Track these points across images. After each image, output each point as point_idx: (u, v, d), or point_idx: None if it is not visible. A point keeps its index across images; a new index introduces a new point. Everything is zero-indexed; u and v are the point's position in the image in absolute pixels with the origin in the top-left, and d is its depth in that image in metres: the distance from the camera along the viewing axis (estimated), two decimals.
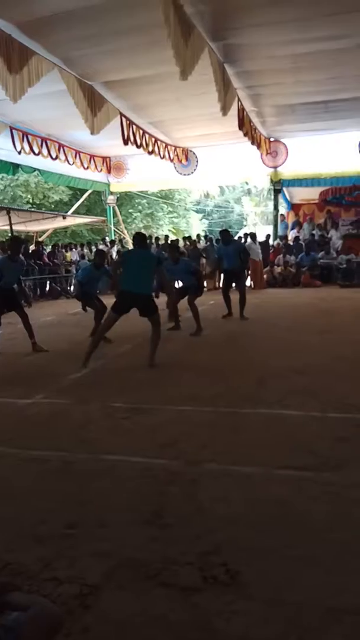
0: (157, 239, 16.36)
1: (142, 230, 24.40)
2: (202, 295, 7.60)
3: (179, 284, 7.68)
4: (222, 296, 8.66)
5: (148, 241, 5.85)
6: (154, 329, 5.37)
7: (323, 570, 1.92)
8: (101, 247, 15.89)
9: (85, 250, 16.08)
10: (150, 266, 5.31)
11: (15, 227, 13.35)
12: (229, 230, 10.08)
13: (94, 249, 16.05)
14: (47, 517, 2.37)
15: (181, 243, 15.92)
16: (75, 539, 2.19)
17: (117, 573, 1.95)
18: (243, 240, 15.16)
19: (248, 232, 15.54)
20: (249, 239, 14.33)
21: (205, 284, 9.06)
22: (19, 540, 2.19)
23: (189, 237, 16.55)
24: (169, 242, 15.44)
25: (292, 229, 16.71)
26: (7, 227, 13.20)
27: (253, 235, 14.28)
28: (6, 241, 7.71)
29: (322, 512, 2.33)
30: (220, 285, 13.52)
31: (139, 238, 5.62)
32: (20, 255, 7.19)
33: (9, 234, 13.82)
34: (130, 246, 17.18)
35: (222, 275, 10.60)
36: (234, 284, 8.71)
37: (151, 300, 5.38)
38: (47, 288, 14.59)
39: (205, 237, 17.07)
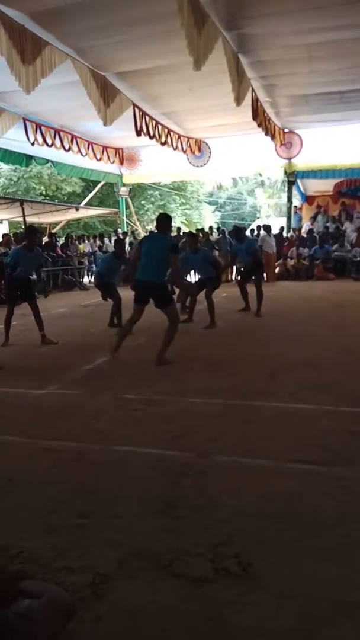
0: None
1: (154, 223, 24.43)
2: (219, 287, 7.56)
3: (195, 277, 7.66)
4: (238, 289, 8.60)
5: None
6: (169, 324, 5.05)
7: (334, 564, 1.92)
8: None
9: (99, 243, 16.09)
10: (163, 252, 4.85)
11: (28, 219, 13.39)
12: (242, 226, 9.97)
13: (106, 241, 16.07)
14: (60, 507, 2.40)
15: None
16: (88, 529, 2.21)
17: (129, 563, 1.97)
18: (256, 232, 15.07)
19: (262, 224, 15.37)
20: (262, 231, 14.24)
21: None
22: (32, 529, 2.22)
23: (202, 229, 16.48)
24: (180, 234, 15.40)
25: (315, 219, 16.37)
26: (21, 219, 13.25)
27: (268, 228, 14.05)
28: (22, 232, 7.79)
29: (334, 506, 2.32)
30: (232, 278, 13.57)
31: (159, 220, 5.19)
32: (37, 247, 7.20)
33: (23, 226, 13.89)
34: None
35: (234, 269, 10.59)
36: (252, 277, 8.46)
37: (163, 289, 5.09)
38: (60, 279, 14.65)
39: (218, 229, 17.00)
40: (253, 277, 8.34)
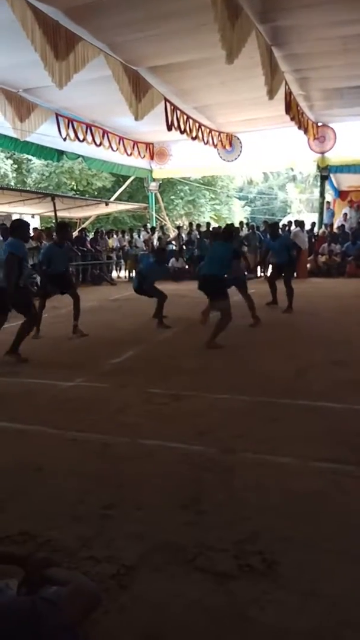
0: (199, 225, 16.26)
1: (184, 218, 24.42)
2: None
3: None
4: (267, 285, 8.55)
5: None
6: (221, 317, 5.68)
7: (358, 565, 1.89)
8: (143, 234, 15.99)
9: (127, 237, 16.16)
10: (222, 253, 5.77)
11: (59, 214, 13.57)
12: (275, 222, 9.91)
13: (135, 236, 16.12)
14: (86, 498, 2.43)
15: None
16: (113, 520, 2.24)
17: (153, 555, 1.98)
18: (287, 228, 14.85)
19: (295, 219, 15.16)
20: (292, 226, 14.03)
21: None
22: (59, 518, 2.26)
23: (231, 225, 16.36)
24: (210, 229, 15.33)
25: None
26: (52, 214, 13.43)
27: (301, 223, 13.79)
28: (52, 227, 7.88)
29: None
30: (261, 274, 13.47)
31: (225, 230, 6.43)
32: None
33: (54, 220, 14.08)
34: (171, 233, 17.22)
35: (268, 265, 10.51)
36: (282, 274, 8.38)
37: (216, 281, 5.66)
38: (89, 274, 14.80)
39: (247, 224, 16.85)
40: (283, 274, 8.26)
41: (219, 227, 16.21)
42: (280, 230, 14.30)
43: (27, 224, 5.60)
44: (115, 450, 2.99)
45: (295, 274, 9.39)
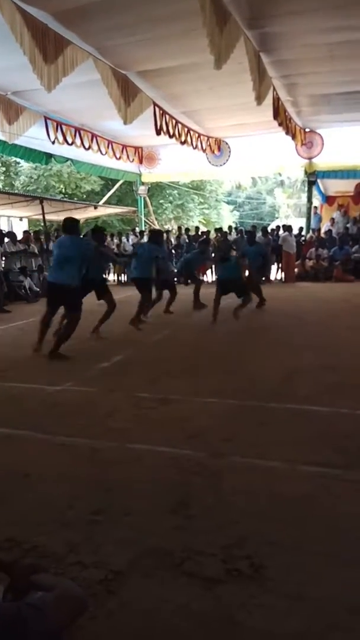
0: (187, 230, 16.30)
1: (172, 222, 24.49)
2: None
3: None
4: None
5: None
6: (242, 302, 7.52)
7: (346, 569, 1.91)
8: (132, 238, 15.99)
9: (116, 241, 16.14)
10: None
11: (47, 217, 13.51)
12: (253, 230, 10.79)
13: (124, 239, 16.09)
14: (74, 503, 2.42)
15: (212, 235, 15.85)
16: (101, 525, 2.23)
17: (142, 561, 1.98)
18: (276, 232, 14.98)
19: (283, 224, 15.38)
20: (280, 231, 14.16)
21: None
22: (47, 524, 2.25)
23: (220, 229, 16.43)
24: (199, 233, 15.38)
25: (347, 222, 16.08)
26: (40, 217, 13.37)
27: (289, 228, 14.33)
28: (89, 232, 8.07)
29: (348, 511, 2.30)
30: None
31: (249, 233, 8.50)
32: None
33: (42, 223, 14.01)
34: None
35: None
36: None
37: (239, 279, 7.53)
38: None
39: (236, 229, 16.93)
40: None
41: (208, 231, 16.36)
42: (269, 235, 14.62)
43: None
44: (104, 455, 2.98)
45: (280, 277, 10.23)
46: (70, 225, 5.65)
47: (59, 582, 1.56)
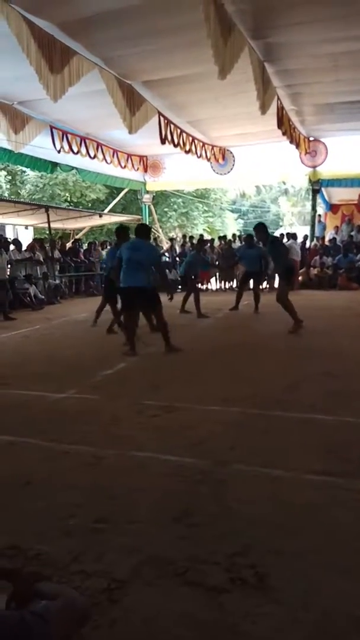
0: (192, 237, 16.35)
1: (177, 230, 24.60)
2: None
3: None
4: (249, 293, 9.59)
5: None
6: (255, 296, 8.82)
7: (351, 579, 1.89)
8: None
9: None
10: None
11: (53, 225, 13.59)
12: (252, 234, 10.73)
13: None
14: (77, 511, 2.41)
15: (216, 243, 15.88)
16: (104, 534, 2.22)
17: (145, 569, 1.96)
18: (285, 240, 15.04)
19: (287, 232, 15.49)
20: (285, 239, 14.21)
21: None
22: (50, 532, 2.24)
23: (224, 237, 16.48)
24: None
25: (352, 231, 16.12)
26: (46, 225, 13.46)
27: (294, 236, 14.60)
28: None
29: (352, 520, 2.28)
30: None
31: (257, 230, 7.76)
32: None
33: (48, 232, 14.09)
34: (164, 245, 17.31)
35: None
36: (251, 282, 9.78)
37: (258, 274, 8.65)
38: (83, 285, 14.81)
39: (240, 237, 16.96)
40: (252, 282, 9.49)
41: (212, 239, 16.42)
42: (278, 242, 14.73)
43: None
44: (107, 463, 2.97)
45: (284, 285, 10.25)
46: (145, 230, 6.06)
47: (62, 591, 1.55)
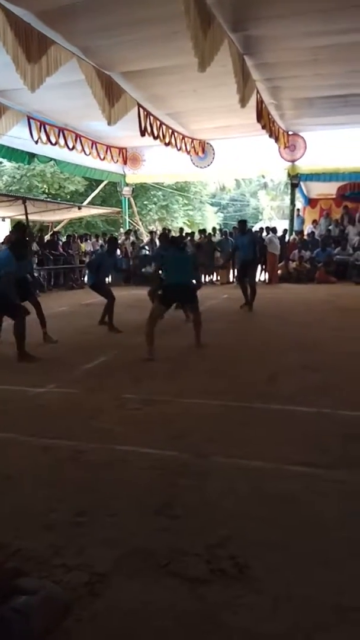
0: (169, 230, 16.31)
1: (157, 223, 24.51)
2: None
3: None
4: (239, 288, 9.07)
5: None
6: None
7: (331, 568, 1.92)
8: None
9: (101, 242, 16.09)
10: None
11: (30, 217, 13.38)
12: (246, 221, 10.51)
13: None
14: (58, 505, 2.40)
15: (196, 236, 15.88)
16: (85, 527, 2.21)
17: (126, 562, 1.97)
18: (260, 234, 15.10)
19: (267, 226, 15.59)
20: (264, 233, 14.31)
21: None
22: (30, 527, 2.22)
23: (204, 230, 16.48)
24: (183, 234, 15.37)
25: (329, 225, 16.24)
26: (23, 217, 13.25)
27: (274, 229, 14.67)
28: (107, 239, 8.87)
29: (332, 510, 2.32)
30: (233, 279, 13.66)
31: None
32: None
33: (25, 223, 13.86)
34: (144, 238, 17.23)
35: (235, 268, 11.02)
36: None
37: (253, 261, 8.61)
38: (63, 278, 14.66)
39: (220, 230, 17.00)
40: (247, 278, 8.92)
41: (192, 232, 16.36)
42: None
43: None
44: (88, 457, 2.96)
45: (263, 278, 10.10)
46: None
47: (42, 586, 1.55)
